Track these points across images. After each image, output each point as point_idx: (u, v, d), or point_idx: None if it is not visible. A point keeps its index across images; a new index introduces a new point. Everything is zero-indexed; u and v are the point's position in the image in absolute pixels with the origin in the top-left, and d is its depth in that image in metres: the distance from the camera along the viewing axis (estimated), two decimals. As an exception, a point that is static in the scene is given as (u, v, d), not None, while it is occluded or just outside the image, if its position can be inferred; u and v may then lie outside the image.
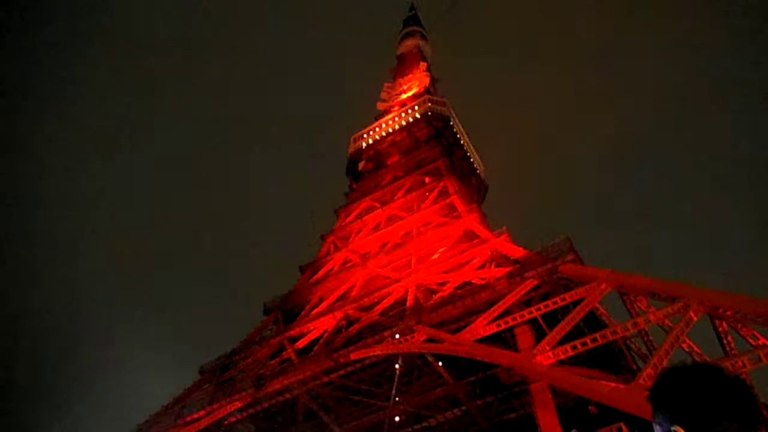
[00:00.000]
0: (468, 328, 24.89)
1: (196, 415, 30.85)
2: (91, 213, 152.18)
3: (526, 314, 24.53)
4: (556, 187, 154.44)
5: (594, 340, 20.47)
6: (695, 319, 19.88)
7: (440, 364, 28.11)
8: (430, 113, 61.07)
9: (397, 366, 29.05)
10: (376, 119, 67.51)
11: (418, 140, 60.05)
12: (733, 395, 1.62)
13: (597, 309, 25.63)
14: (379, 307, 32.10)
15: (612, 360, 25.72)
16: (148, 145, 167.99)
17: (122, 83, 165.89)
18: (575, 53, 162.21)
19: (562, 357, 20.63)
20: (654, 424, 1.74)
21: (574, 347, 20.46)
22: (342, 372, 29.20)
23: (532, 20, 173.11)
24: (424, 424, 30.61)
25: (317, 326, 34.17)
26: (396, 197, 48.98)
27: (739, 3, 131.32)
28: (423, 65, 75.75)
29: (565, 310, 23.95)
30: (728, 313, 19.53)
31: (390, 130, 62.95)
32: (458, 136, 61.97)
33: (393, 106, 68.61)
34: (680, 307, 20.23)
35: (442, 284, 32.08)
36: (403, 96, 69.87)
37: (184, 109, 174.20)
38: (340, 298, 37.49)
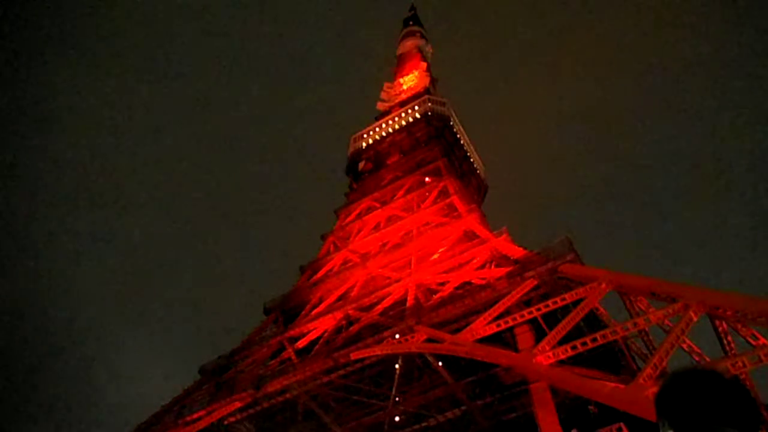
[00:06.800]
0: (468, 328, 24.85)
1: (196, 415, 30.82)
2: (92, 212, 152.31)
3: (526, 314, 24.49)
4: (556, 188, 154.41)
5: (594, 340, 20.44)
6: (695, 319, 19.86)
7: (440, 364, 28.06)
8: (430, 113, 61.05)
9: (397, 366, 29.03)
10: (376, 119, 67.50)
11: (418, 140, 60.04)
12: (731, 400, 1.59)
13: (597, 309, 25.60)
14: (379, 307, 32.07)
15: (612, 360, 25.71)
16: (150, 145, 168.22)
17: (126, 84, 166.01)
18: (576, 53, 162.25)
19: (562, 357, 20.60)
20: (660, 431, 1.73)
21: (574, 347, 20.43)
22: (342, 372, 29.15)
23: (532, 20, 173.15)
24: (424, 424, 30.53)
25: (317, 326, 34.14)
26: (396, 197, 48.96)
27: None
28: (423, 65, 75.72)
29: (565, 310, 23.90)
30: (728, 313, 19.51)
31: (390, 130, 62.93)
32: (458, 136, 61.96)
33: (393, 106, 68.59)
34: (680, 307, 20.21)
35: (442, 284, 32.05)
36: (403, 96, 69.85)
37: (187, 110, 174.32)
38: (340, 298, 37.45)
